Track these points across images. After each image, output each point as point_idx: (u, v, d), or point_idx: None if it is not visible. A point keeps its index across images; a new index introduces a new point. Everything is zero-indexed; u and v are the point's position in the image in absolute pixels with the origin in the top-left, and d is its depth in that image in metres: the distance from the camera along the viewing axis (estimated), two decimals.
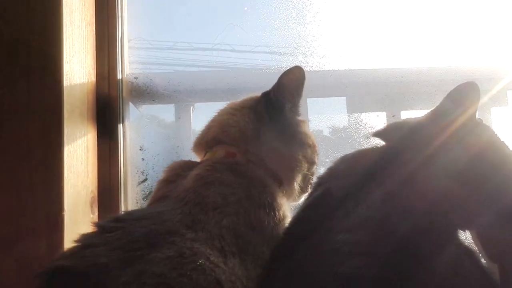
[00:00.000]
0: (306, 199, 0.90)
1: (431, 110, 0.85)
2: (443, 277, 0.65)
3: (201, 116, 1.15)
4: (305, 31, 1.32)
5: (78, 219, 1.01)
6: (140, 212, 0.83)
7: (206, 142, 0.97)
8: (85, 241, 0.71)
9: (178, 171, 0.92)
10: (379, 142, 0.90)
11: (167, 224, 0.74)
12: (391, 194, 0.73)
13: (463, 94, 0.81)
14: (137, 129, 1.31)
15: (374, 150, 0.88)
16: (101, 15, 1.19)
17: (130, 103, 1.31)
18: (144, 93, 1.30)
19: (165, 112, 1.46)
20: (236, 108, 0.98)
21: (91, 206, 1.09)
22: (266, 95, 0.96)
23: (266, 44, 1.34)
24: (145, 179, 1.27)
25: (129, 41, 1.30)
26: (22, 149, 0.95)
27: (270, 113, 0.95)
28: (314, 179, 0.97)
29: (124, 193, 1.21)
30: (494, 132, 0.84)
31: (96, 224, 0.75)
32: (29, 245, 0.92)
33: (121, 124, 1.24)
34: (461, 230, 0.74)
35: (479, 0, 1.36)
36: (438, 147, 0.77)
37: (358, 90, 1.39)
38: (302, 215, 0.83)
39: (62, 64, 0.98)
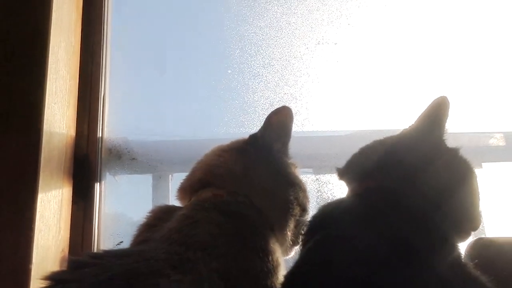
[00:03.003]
0: (304, 247, 0.84)
1: (397, 135, 0.89)
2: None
3: None
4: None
5: None
6: (120, 251, 0.75)
7: (191, 185, 0.92)
8: (55, 277, 0.62)
9: (160, 215, 0.85)
10: None
11: (151, 263, 0.67)
12: (384, 231, 0.73)
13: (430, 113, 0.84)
14: (114, 190, 1.25)
15: (352, 197, 0.88)
16: (85, 71, 1.18)
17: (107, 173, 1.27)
18: (125, 151, 1.26)
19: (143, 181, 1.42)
20: (224, 149, 0.94)
21: (60, 266, 0.98)
22: (253, 136, 0.94)
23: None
24: (121, 242, 1.17)
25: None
26: None
27: (259, 153, 0.91)
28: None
29: None
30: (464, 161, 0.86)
31: (69, 259, 0.66)
32: None
33: (98, 183, 1.18)
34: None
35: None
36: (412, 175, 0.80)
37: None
38: (308, 257, 0.78)
39: (44, 108, 0.94)
